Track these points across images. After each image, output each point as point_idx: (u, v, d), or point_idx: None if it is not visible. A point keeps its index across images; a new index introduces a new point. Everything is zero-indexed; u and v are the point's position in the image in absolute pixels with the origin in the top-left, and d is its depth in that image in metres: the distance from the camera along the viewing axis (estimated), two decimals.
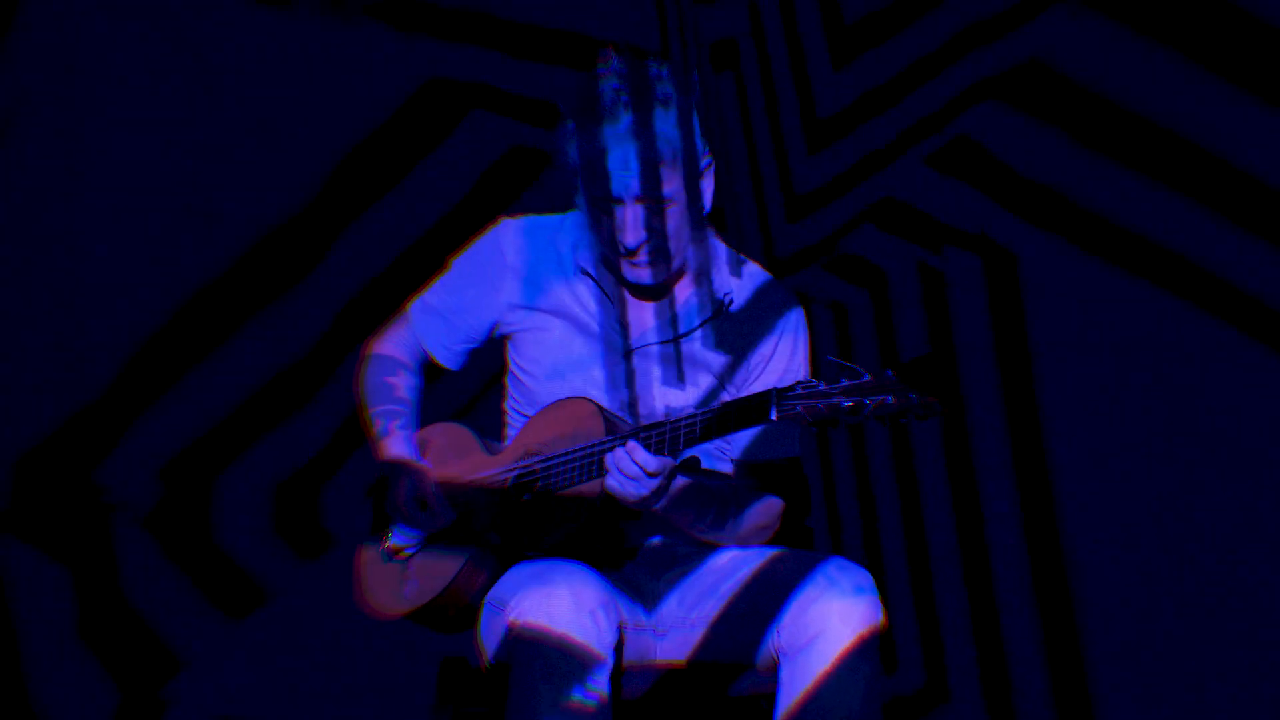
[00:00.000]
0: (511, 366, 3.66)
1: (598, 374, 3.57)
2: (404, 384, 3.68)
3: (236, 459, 4.57)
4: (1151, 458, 4.42)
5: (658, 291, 3.58)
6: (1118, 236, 4.43)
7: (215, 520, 4.57)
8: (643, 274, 3.51)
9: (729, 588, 3.48)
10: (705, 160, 3.51)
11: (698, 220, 3.53)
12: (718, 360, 3.58)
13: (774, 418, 3.23)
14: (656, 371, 3.57)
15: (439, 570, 3.51)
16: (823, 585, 3.36)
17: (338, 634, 4.49)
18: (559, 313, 3.59)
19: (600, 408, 3.46)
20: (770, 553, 3.50)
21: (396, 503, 3.54)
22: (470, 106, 4.54)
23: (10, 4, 4.40)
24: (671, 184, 3.45)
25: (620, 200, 3.45)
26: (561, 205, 3.62)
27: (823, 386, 3.21)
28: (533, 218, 3.66)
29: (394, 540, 3.58)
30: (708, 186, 3.53)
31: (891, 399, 3.16)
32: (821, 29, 4.55)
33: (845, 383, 3.20)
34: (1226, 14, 4.35)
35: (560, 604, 3.28)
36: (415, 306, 3.70)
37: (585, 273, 3.58)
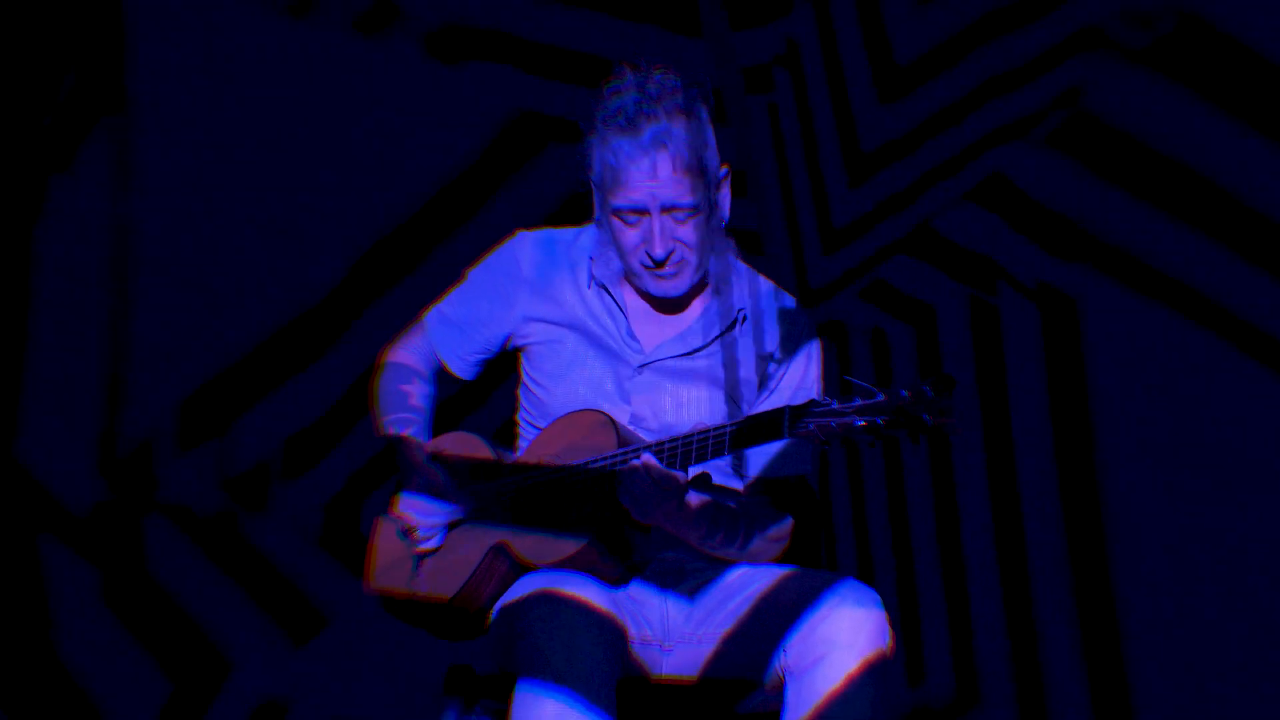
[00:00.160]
0: (524, 378, 3.65)
1: (610, 387, 3.56)
2: (418, 392, 3.69)
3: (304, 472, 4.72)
4: (1184, 468, 4.47)
5: (675, 305, 3.57)
6: (1148, 275, 4.49)
7: (263, 532, 4.71)
8: (668, 285, 3.51)
9: (738, 605, 3.46)
10: (722, 171, 3.51)
11: (717, 231, 3.53)
12: (730, 376, 3.56)
13: (786, 435, 3.23)
14: (669, 386, 3.56)
15: (458, 565, 3.51)
16: (833, 606, 3.34)
17: (397, 646, 4.55)
18: (573, 325, 3.59)
19: (612, 420, 3.46)
20: (781, 571, 3.49)
21: (405, 499, 3.55)
22: (549, 139, 4.69)
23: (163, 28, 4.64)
24: (695, 193, 3.45)
25: (646, 211, 3.45)
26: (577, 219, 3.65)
27: (836, 405, 3.21)
28: (549, 231, 3.66)
29: (414, 519, 3.57)
30: (725, 197, 3.53)
31: (904, 419, 3.15)
32: (867, 62, 4.61)
33: (859, 402, 3.19)
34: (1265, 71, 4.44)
35: (568, 618, 3.28)
36: (431, 316, 3.71)
37: (601, 286, 3.57)
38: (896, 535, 4.64)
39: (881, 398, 3.18)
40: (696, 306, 3.59)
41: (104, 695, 4.70)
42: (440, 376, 3.72)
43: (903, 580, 4.63)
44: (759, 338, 3.58)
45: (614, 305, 3.58)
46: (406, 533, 3.56)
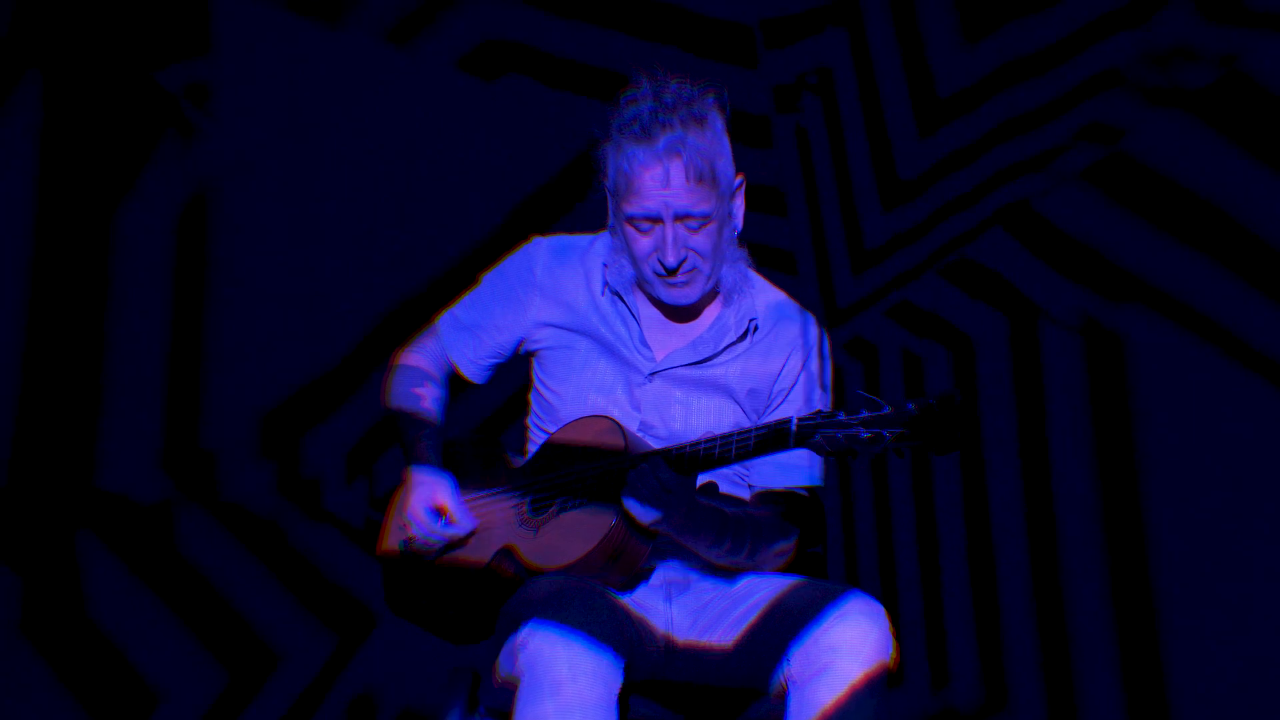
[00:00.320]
0: (535, 383, 3.67)
1: (620, 394, 3.57)
2: (429, 395, 3.70)
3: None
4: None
5: (688, 313, 3.58)
6: (1184, 313, 4.56)
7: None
8: (680, 294, 3.51)
9: (743, 614, 3.46)
10: (737, 181, 3.52)
11: (730, 241, 3.53)
12: (740, 385, 3.57)
13: (793, 445, 3.24)
14: (678, 394, 3.57)
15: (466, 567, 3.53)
16: (837, 618, 3.35)
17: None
18: (585, 332, 3.60)
19: (621, 426, 3.47)
20: (787, 581, 3.49)
21: (412, 508, 3.55)
22: None
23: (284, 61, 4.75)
24: (709, 202, 3.45)
25: (659, 219, 3.46)
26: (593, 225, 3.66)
27: (843, 417, 3.22)
28: (563, 237, 3.67)
29: (414, 533, 3.59)
30: (738, 207, 3.54)
31: (910, 432, 3.15)
32: (906, 88, 4.65)
33: (865, 414, 3.20)
34: None
35: (573, 621, 3.28)
36: (444, 320, 3.72)
37: (615, 293, 3.58)
38: (923, 539, 4.66)
39: (888, 410, 3.19)
40: (708, 315, 3.60)
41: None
42: (452, 380, 3.73)
43: (928, 583, 4.65)
44: (770, 348, 3.59)
45: (627, 312, 3.59)
46: (407, 543, 3.58)
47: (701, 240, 3.48)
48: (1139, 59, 4.57)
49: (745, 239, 3.60)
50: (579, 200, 4.69)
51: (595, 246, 3.64)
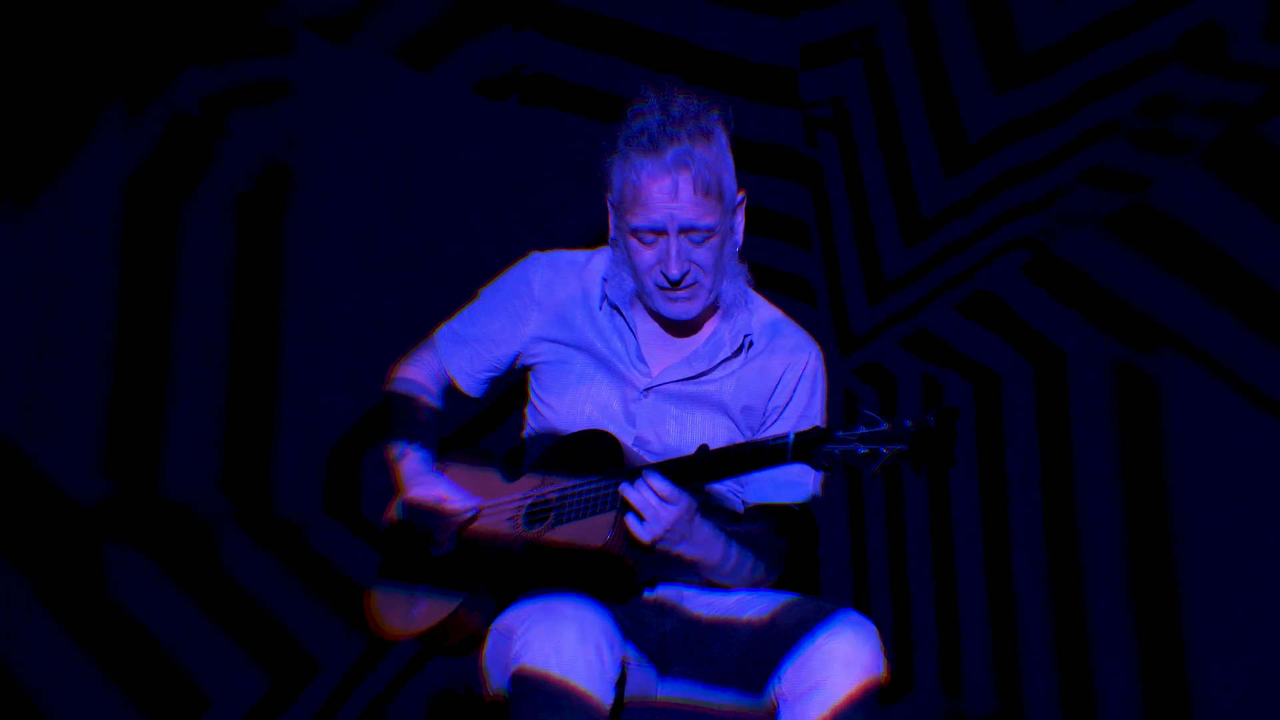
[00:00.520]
0: (532, 397, 3.67)
1: (616, 408, 3.58)
2: (425, 408, 3.70)
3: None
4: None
5: (686, 328, 3.59)
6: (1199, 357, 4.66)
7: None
8: (681, 308, 3.53)
9: (736, 630, 3.47)
10: (739, 197, 3.54)
11: (731, 256, 3.55)
12: (734, 402, 3.58)
13: (789, 460, 3.26)
14: (673, 409, 3.58)
15: (443, 600, 3.52)
16: (828, 636, 3.36)
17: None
18: (582, 346, 3.61)
19: (617, 440, 3.47)
20: (780, 598, 3.50)
21: (411, 497, 3.58)
22: None
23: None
24: (714, 216, 3.47)
25: (664, 231, 3.48)
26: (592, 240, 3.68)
27: (840, 433, 3.23)
28: (562, 252, 3.69)
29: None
30: (739, 223, 3.56)
31: (906, 448, 3.16)
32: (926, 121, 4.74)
33: (862, 430, 3.21)
34: None
35: (565, 639, 3.28)
36: (442, 333, 3.73)
37: (614, 307, 3.59)
38: (938, 550, 4.69)
39: (885, 427, 3.20)
40: (706, 330, 3.61)
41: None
42: (449, 394, 3.74)
43: (943, 592, 4.67)
44: (765, 365, 3.60)
45: (625, 327, 3.60)
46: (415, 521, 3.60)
47: (704, 254, 3.50)
48: (1144, 108, 4.65)
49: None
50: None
51: (594, 261, 3.65)
